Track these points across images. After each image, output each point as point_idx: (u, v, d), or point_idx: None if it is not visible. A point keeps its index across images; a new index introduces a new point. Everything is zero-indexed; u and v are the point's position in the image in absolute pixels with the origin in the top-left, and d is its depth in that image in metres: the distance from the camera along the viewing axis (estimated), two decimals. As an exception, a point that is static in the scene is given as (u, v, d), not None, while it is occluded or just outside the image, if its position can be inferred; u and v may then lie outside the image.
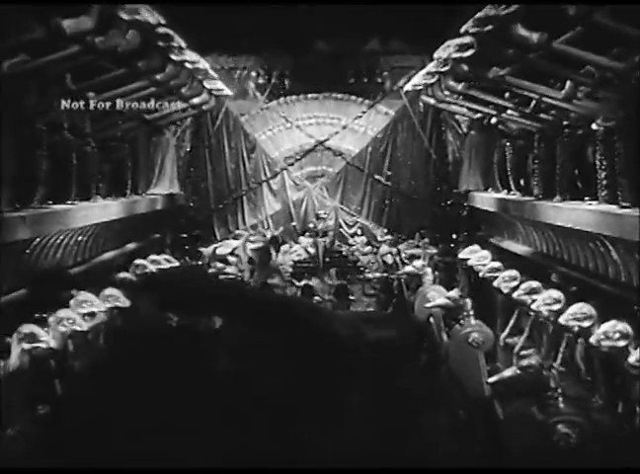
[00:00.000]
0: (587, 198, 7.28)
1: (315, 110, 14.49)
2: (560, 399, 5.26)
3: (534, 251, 9.22)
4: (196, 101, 11.18)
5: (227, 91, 12.94)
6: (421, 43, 13.50)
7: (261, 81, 14.26)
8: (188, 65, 9.25)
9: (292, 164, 14.52)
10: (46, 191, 7.21)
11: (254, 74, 14.27)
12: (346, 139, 14.54)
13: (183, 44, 8.55)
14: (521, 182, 9.48)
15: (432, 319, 8.68)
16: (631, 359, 5.06)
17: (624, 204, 6.24)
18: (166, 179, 11.95)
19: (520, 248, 9.86)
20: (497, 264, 8.89)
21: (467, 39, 7.31)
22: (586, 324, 5.83)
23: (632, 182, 6.29)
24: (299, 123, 14.42)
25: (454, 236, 12.98)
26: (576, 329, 5.91)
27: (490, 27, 6.52)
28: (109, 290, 7.33)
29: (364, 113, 14.29)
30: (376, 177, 14.45)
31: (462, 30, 7.52)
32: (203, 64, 10.11)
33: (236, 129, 14.10)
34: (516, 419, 5.55)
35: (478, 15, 6.95)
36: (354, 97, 14.42)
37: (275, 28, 12.39)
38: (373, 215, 14.67)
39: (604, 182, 6.73)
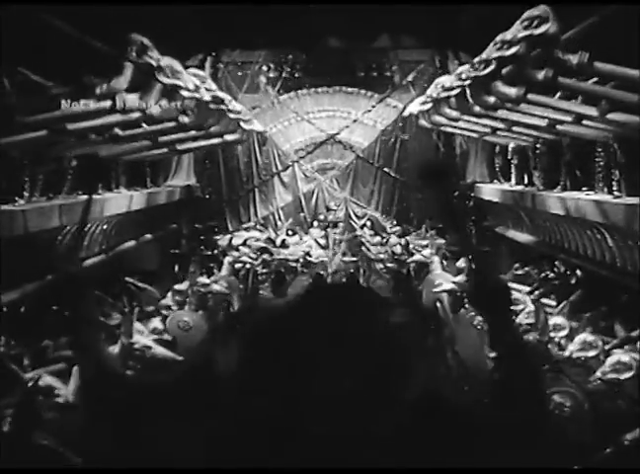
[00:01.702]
0: (584, 189, 7.69)
1: (325, 103, 14.81)
2: (556, 372, 5.68)
3: (537, 239, 9.60)
4: (229, 138, 11.35)
5: (259, 128, 13.19)
6: (429, 38, 13.89)
7: (272, 75, 14.57)
8: (231, 115, 9.62)
9: (303, 157, 14.86)
10: (74, 182, 7.63)
11: (265, 68, 14.59)
12: (356, 132, 14.87)
13: (232, 106, 8.94)
14: (524, 176, 9.88)
15: (438, 303, 9.05)
16: (597, 374, 5.46)
17: (618, 194, 6.69)
18: (183, 171, 12.37)
19: (523, 237, 10.23)
20: None
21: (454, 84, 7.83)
22: (561, 334, 6.20)
23: (626, 175, 6.74)
24: (310, 117, 14.77)
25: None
26: (556, 340, 6.29)
27: (470, 83, 7.01)
28: (155, 322, 7.43)
29: (374, 106, 14.63)
30: (385, 169, 14.79)
31: (447, 84, 8.08)
32: (245, 113, 10.58)
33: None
34: (514, 390, 5.95)
35: (460, 69, 7.46)
36: (363, 90, 14.76)
37: (287, 25, 12.71)
38: (383, 207, 15.02)
39: (601, 174, 7.16)
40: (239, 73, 14.40)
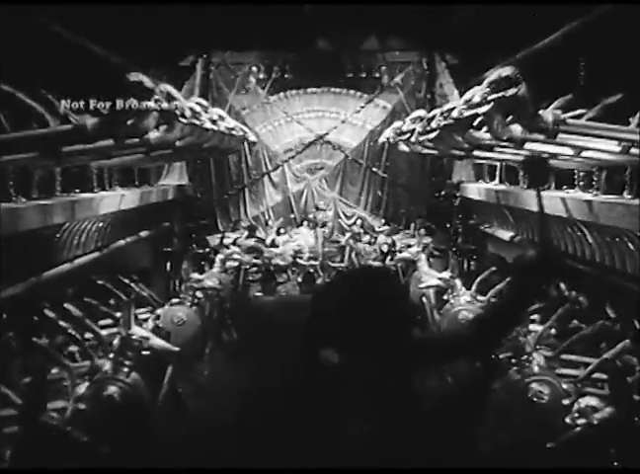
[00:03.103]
0: (565, 187, 7.94)
1: (314, 104, 15.03)
2: (534, 362, 5.92)
3: (522, 237, 9.82)
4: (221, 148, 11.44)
5: (253, 138, 13.35)
6: (417, 40, 14.15)
7: (261, 76, 14.78)
8: (225, 131, 9.76)
9: (293, 157, 15.08)
10: (71, 180, 7.83)
11: (255, 69, 14.79)
12: (344, 133, 15.10)
13: (227, 124, 9.14)
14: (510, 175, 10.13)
15: (424, 299, 9.27)
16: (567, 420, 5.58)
17: (597, 193, 6.95)
18: (176, 171, 12.58)
19: (508, 235, 10.45)
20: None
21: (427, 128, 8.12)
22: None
23: (607, 173, 6.99)
24: (299, 117, 14.98)
25: (448, 225, 13.54)
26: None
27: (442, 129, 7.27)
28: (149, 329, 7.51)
29: (363, 107, 14.85)
30: (374, 169, 15.02)
31: (421, 129, 8.34)
32: (238, 128, 10.79)
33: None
34: (495, 379, 6.21)
35: (433, 113, 7.71)
36: (352, 91, 14.98)
37: (278, 26, 12.93)
38: (371, 206, 15.24)
39: (582, 172, 7.41)
40: (230, 75, 14.60)
